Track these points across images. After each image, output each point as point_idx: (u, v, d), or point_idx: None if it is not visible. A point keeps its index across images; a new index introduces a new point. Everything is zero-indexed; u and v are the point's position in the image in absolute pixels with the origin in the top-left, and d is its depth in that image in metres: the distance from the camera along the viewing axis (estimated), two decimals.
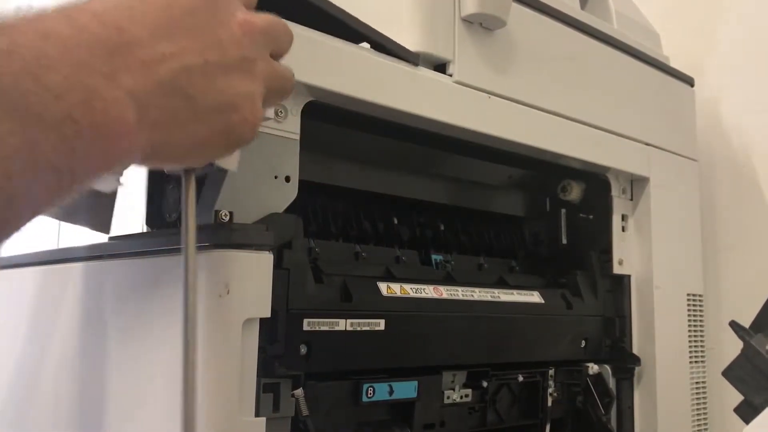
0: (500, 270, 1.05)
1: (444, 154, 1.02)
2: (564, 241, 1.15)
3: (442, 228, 1.06)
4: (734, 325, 0.70)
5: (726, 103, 1.39)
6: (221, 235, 0.63)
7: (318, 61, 0.71)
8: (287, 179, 0.71)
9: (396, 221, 1.01)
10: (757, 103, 1.36)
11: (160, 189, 0.81)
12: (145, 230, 0.85)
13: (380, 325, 0.78)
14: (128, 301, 0.71)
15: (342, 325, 0.75)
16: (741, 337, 0.68)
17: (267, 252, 0.65)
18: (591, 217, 1.14)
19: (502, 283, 0.99)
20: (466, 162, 1.06)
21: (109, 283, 0.74)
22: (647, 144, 1.15)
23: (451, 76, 0.85)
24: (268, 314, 0.64)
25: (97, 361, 0.74)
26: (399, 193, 1.01)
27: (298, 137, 0.72)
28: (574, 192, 1.14)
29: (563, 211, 1.16)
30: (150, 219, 0.81)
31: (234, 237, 0.63)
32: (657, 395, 1.10)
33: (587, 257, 1.12)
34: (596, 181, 1.13)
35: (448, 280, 0.93)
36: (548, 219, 1.16)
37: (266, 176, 0.70)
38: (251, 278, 0.63)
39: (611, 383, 1.08)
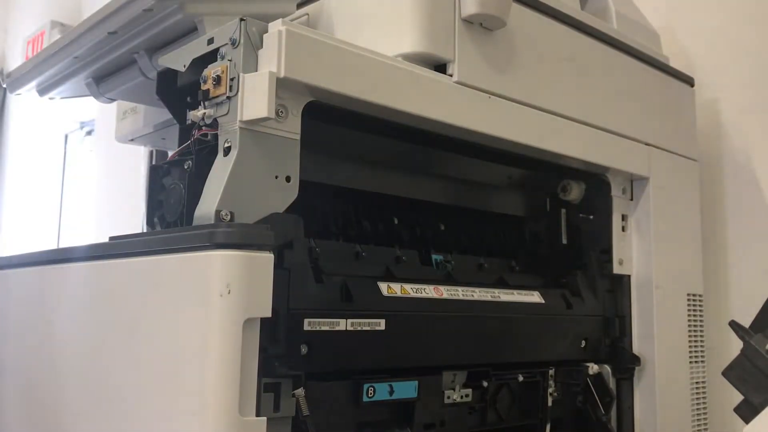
0: (500, 270, 1.05)
1: (444, 154, 1.02)
2: (564, 241, 1.15)
3: (443, 228, 1.06)
4: (734, 325, 0.70)
5: (726, 103, 1.39)
6: (222, 235, 0.63)
7: (318, 61, 0.71)
8: (288, 179, 0.71)
9: (396, 221, 1.01)
10: (757, 103, 1.36)
11: (160, 190, 0.81)
12: (144, 230, 0.85)
13: (381, 324, 0.78)
14: (128, 301, 0.70)
15: (343, 324, 0.75)
16: (741, 337, 0.68)
17: (268, 252, 0.65)
18: (591, 217, 1.14)
19: (502, 283, 0.99)
20: (466, 162, 1.06)
21: (109, 283, 0.74)
22: (647, 144, 1.15)
23: (451, 76, 0.85)
24: (268, 314, 0.64)
25: (97, 359, 0.74)
26: (399, 193, 1.01)
27: (298, 137, 0.72)
28: (574, 192, 1.14)
29: (563, 211, 1.16)
30: (150, 219, 0.81)
31: (235, 237, 0.63)
32: (657, 395, 1.10)
33: (587, 257, 1.12)
34: (596, 181, 1.13)
35: (449, 280, 0.93)
36: (548, 219, 1.16)
37: (267, 176, 0.70)
38: (252, 278, 0.63)
39: (611, 383, 1.08)
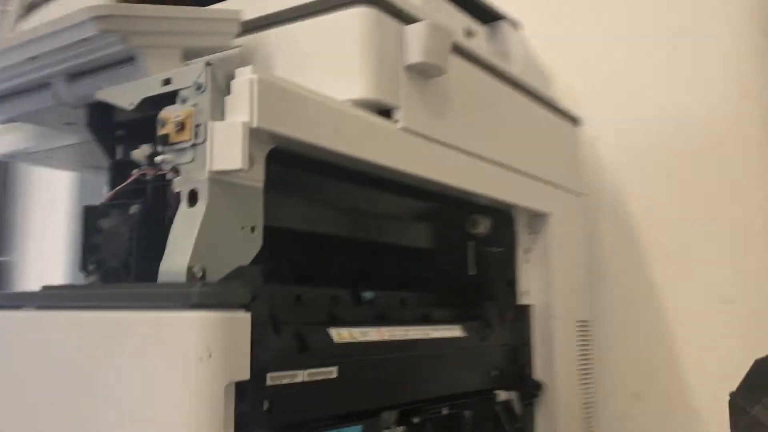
0: (421, 304, 1.08)
1: (357, 189, 1.02)
2: (473, 273, 1.20)
3: (365, 264, 1.07)
4: (736, 398, 0.74)
5: (605, 141, 1.51)
6: (198, 294, 0.60)
7: (286, 110, 0.70)
8: (252, 229, 0.69)
9: (321, 258, 1.00)
10: (631, 140, 1.49)
11: (94, 232, 0.76)
12: (71, 275, 0.79)
13: (333, 373, 0.78)
14: (79, 360, 0.65)
15: (300, 376, 0.73)
16: (741, 409, 0.73)
17: (245, 311, 0.62)
18: (498, 250, 1.20)
19: (427, 319, 1.02)
20: (381, 197, 1.08)
21: (54, 337, 0.67)
22: (546, 182, 1.23)
23: (396, 122, 0.86)
24: (247, 376, 0.62)
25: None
26: (315, 228, 1.01)
27: (262, 185, 0.70)
28: (482, 226, 1.20)
29: (472, 244, 1.21)
30: (84, 264, 0.76)
31: (214, 297, 0.60)
32: (557, 418, 1.17)
33: (495, 288, 1.17)
34: (502, 216, 1.19)
35: (383, 320, 0.94)
36: (459, 252, 1.21)
37: (234, 228, 0.67)
38: (233, 340, 0.60)
39: (518, 409, 1.15)
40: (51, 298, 0.69)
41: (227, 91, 0.68)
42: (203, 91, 0.67)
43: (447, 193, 1.05)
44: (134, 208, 0.72)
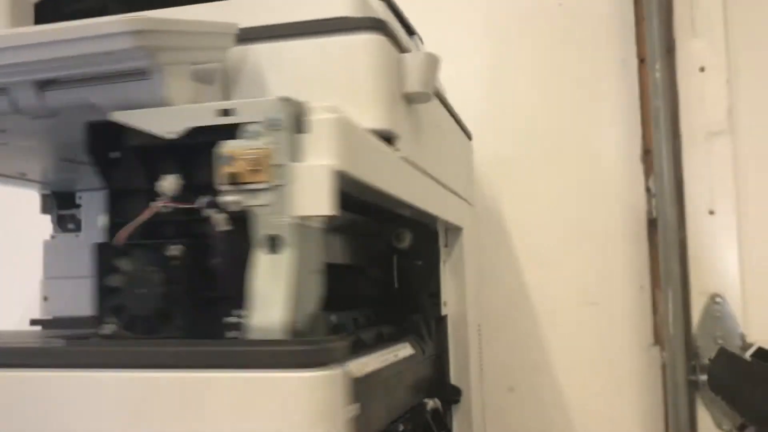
0: (368, 322, 1.08)
1: None
2: (396, 286, 1.23)
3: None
4: None
5: (479, 153, 1.62)
6: (309, 352, 0.56)
7: (357, 150, 0.67)
8: (319, 273, 0.66)
9: None
10: (504, 151, 1.62)
11: (110, 273, 0.67)
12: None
13: (356, 410, 0.77)
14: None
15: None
16: None
17: (339, 365, 0.60)
18: (420, 263, 1.24)
19: (381, 338, 1.04)
20: None
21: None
22: (462, 197, 1.30)
23: (398, 150, 0.86)
24: None
25: None
26: None
27: (322, 226, 0.67)
28: (407, 240, 1.23)
29: (396, 257, 1.23)
30: (103, 310, 0.66)
31: (323, 354, 0.57)
32: (473, 420, 1.26)
33: (420, 301, 1.22)
34: (425, 230, 1.23)
35: (362, 345, 0.94)
36: (387, 266, 1.23)
37: (310, 273, 0.64)
38: (340, 398, 0.58)
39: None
40: (95, 356, 0.60)
41: (302, 128, 0.64)
42: (280, 128, 0.62)
43: (372, 208, 1.06)
44: (175, 249, 0.65)
